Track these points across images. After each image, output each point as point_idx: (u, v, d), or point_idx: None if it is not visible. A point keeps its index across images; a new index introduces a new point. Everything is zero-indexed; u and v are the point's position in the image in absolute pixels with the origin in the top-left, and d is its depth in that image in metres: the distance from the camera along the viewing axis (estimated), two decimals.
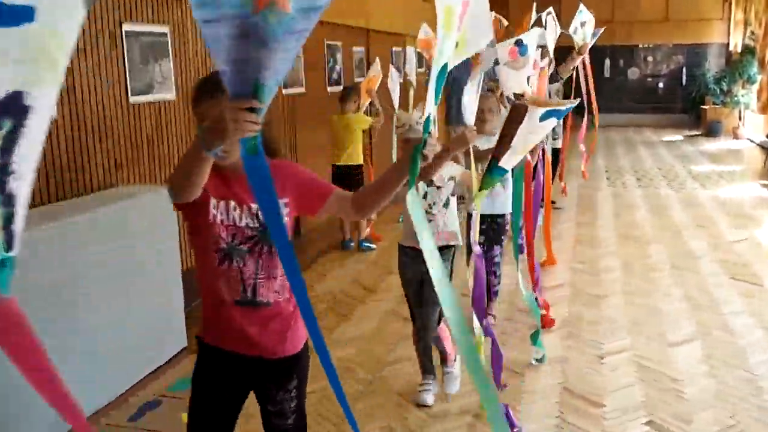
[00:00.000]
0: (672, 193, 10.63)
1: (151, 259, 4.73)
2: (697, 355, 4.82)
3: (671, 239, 7.86)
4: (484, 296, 3.84)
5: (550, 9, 6.50)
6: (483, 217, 4.75)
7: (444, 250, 4.00)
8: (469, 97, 5.14)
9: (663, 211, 9.37)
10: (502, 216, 5.11)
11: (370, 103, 7.79)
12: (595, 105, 8.42)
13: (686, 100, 20.40)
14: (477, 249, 3.75)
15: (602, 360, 4.75)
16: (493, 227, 5.10)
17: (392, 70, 8.76)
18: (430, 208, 4.08)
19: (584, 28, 7.31)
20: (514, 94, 3.93)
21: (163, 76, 5.54)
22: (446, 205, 4.09)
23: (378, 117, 7.68)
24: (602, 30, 7.74)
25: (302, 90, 8.28)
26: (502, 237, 5.20)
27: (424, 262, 2.09)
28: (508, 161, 3.45)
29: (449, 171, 4.03)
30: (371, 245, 7.82)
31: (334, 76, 9.44)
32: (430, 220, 3.94)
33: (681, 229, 8.30)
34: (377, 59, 7.66)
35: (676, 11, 20.08)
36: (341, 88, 8.73)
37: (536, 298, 5.10)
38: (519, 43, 3.86)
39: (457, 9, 2.11)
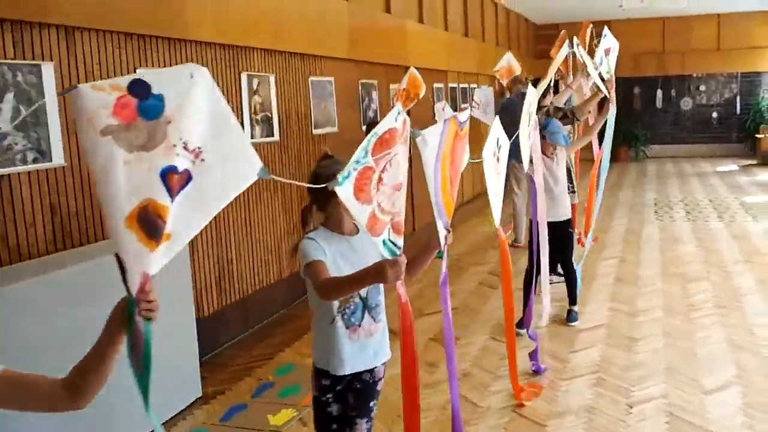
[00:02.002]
0: (722, 226, 10.24)
1: (164, 307, 4.63)
2: (734, 403, 4.51)
3: (717, 276, 7.52)
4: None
5: (576, 41, 5.85)
6: (339, 379, 3.07)
7: None
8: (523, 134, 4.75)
9: (711, 245, 9.00)
10: (372, 372, 3.12)
11: None
12: (598, 149, 6.95)
13: (741, 130, 19.91)
14: None
15: (630, 409, 4.49)
16: (355, 389, 3.11)
17: (446, 105, 8.61)
18: None
19: (609, 57, 6.17)
20: None
21: None
22: None
23: None
24: (616, 52, 6.33)
25: (335, 129, 8.21)
26: (371, 405, 3.16)
27: None
28: None
29: None
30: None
31: (370, 114, 9.37)
32: None
33: (728, 265, 7.95)
34: (411, 68, 7.42)
35: (728, 40, 19.64)
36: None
37: None
38: (139, 91, 1.76)
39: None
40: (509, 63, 6.72)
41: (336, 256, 2.91)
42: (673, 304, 6.59)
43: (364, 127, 8.89)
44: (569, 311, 6.22)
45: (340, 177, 2.32)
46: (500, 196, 3.92)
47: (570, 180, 6.92)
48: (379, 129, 2.44)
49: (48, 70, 4.23)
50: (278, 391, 5.05)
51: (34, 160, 4.13)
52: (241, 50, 6.31)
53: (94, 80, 4.61)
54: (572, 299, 6.22)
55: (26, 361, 3.55)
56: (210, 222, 4.89)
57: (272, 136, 6.81)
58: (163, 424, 4.53)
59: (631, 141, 20.02)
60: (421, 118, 9.00)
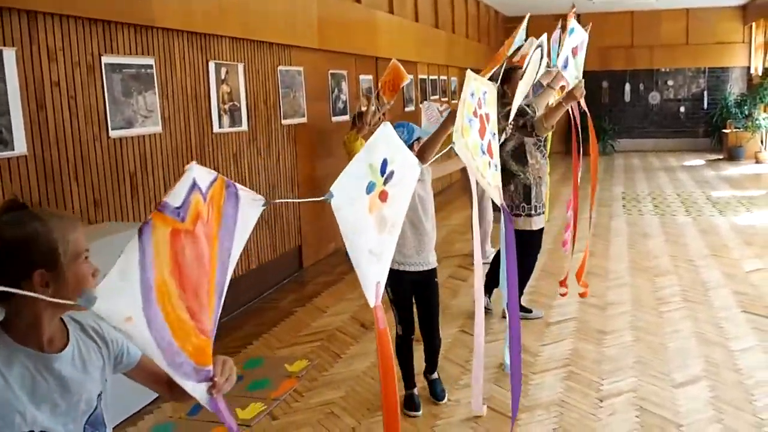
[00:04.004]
0: (689, 220, 10.32)
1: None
2: (703, 396, 4.53)
3: (685, 270, 7.56)
4: None
5: (542, 40, 4.58)
6: None
7: None
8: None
9: (678, 239, 9.06)
10: None
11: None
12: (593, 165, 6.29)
13: (708, 125, 20.11)
14: None
15: (601, 403, 4.48)
16: None
17: (439, 106, 8.50)
18: None
19: (577, 58, 5.14)
20: None
21: (147, 108, 5.39)
22: None
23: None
24: (585, 47, 5.38)
25: (304, 120, 8.12)
26: None
27: None
28: None
29: None
30: None
31: (340, 105, 9.29)
32: None
33: (695, 259, 8.00)
34: (394, 59, 7.40)
35: (697, 35, 19.84)
36: (348, 117, 9.04)
37: None
38: None
39: None
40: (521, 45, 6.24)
41: (22, 393, 1.64)
42: (642, 298, 6.61)
43: (336, 119, 8.82)
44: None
45: None
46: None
47: (527, 199, 5.63)
48: None
49: (10, 56, 4.10)
50: (247, 384, 4.97)
51: None
52: (209, 38, 6.20)
53: (57, 66, 4.50)
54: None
55: None
56: None
57: (240, 125, 6.72)
58: (129, 417, 4.47)
59: (599, 135, 20.14)
60: (395, 112, 8.93)
